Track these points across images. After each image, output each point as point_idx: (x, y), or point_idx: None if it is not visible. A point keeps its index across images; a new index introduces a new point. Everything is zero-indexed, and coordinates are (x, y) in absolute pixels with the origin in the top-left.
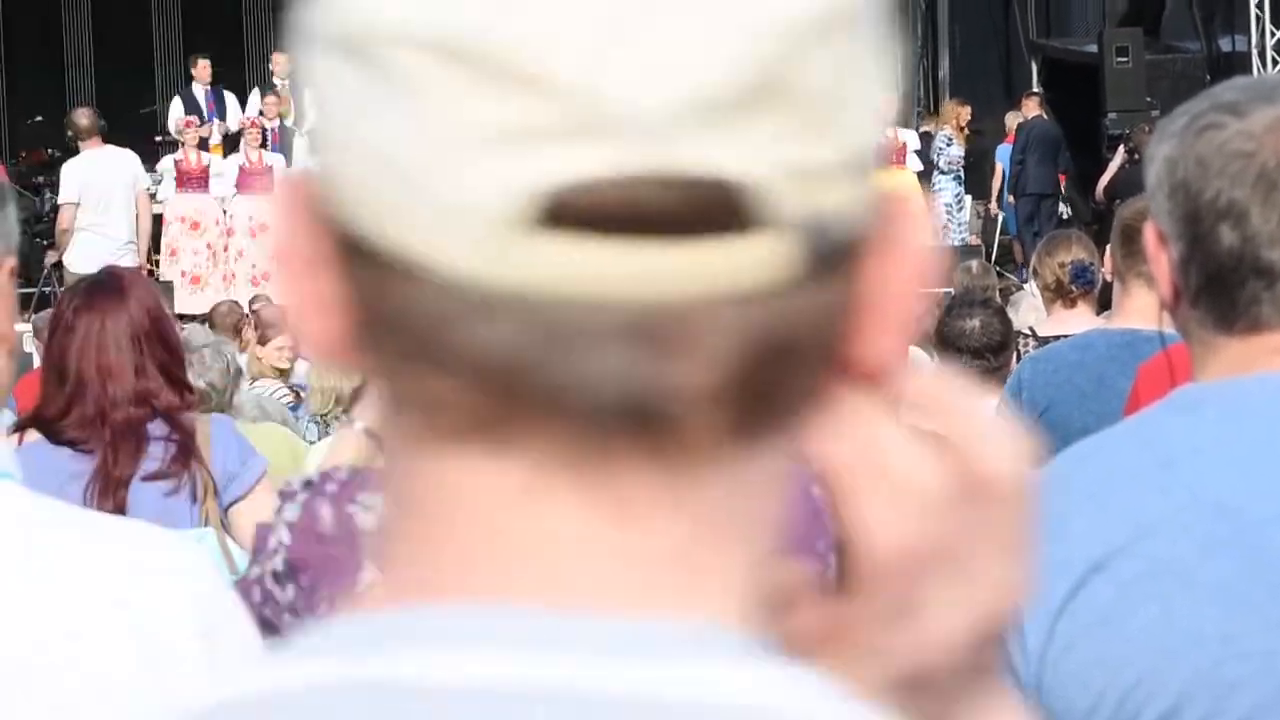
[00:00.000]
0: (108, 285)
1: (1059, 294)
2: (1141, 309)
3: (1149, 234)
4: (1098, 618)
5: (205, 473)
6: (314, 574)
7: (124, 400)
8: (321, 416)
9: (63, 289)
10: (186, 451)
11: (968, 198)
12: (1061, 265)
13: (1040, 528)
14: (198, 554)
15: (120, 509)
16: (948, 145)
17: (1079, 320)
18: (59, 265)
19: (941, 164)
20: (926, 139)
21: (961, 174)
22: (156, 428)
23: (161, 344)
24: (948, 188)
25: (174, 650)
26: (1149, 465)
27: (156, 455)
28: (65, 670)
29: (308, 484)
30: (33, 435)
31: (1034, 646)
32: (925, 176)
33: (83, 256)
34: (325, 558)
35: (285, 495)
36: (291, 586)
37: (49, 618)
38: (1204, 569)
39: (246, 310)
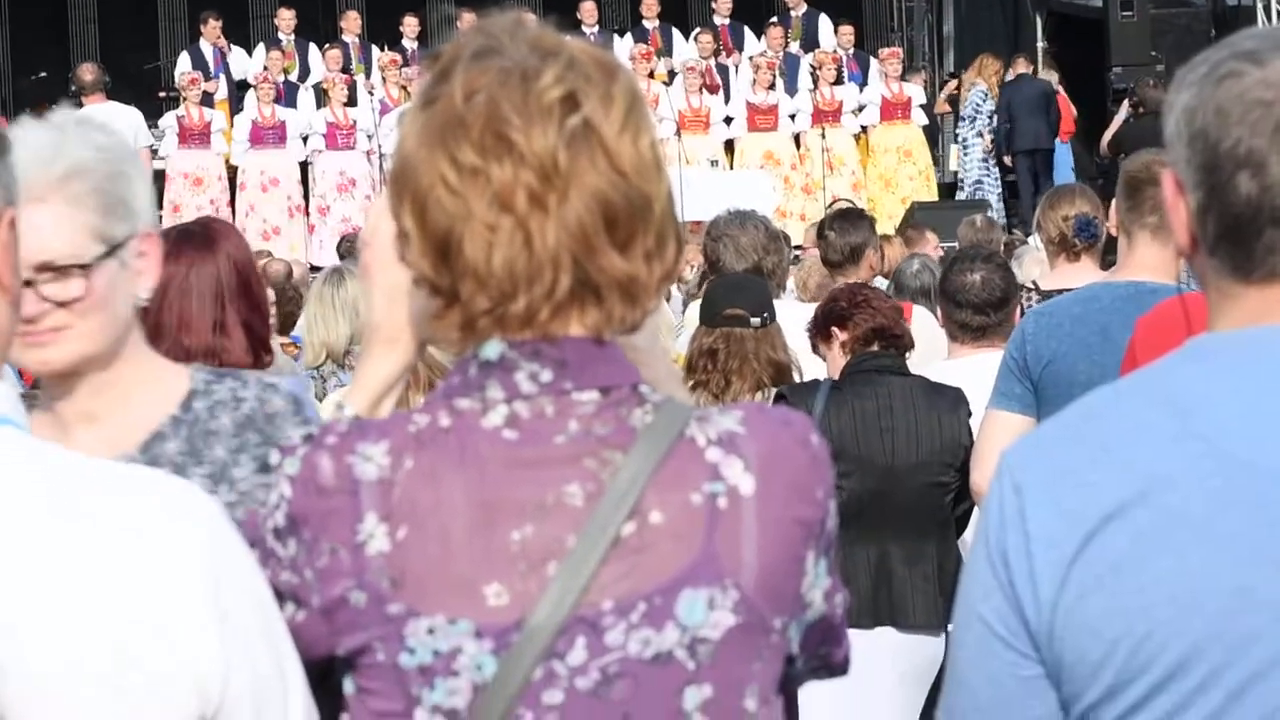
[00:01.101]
0: (197, 235)
1: (1063, 248)
2: (1146, 261)
3: (1167, 182)
4: (1111, 568)
5: None
6: (315, 527)
7: (198, 353)
8: (316, 369)
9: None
10: None
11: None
12: (1065, 219)
13: (1056, 478)
14: (204, 500)
15: None
16: (984, 100)
17: (1082, 274)
18: None
19: (977, 119)
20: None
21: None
22: None
23: (245, 300)
24: (978, 144)
25: (182, 598)
26: (1163, 415)
27: None
28: (72, 616)
29: (307, 437)
30: None
31: (1046, 595)
32: (930, 130)
33: None
34: (326, 510)
35: (285, 449)
36: (293, 541)
37: (54, 565)
38: (1218, 520)
39: None
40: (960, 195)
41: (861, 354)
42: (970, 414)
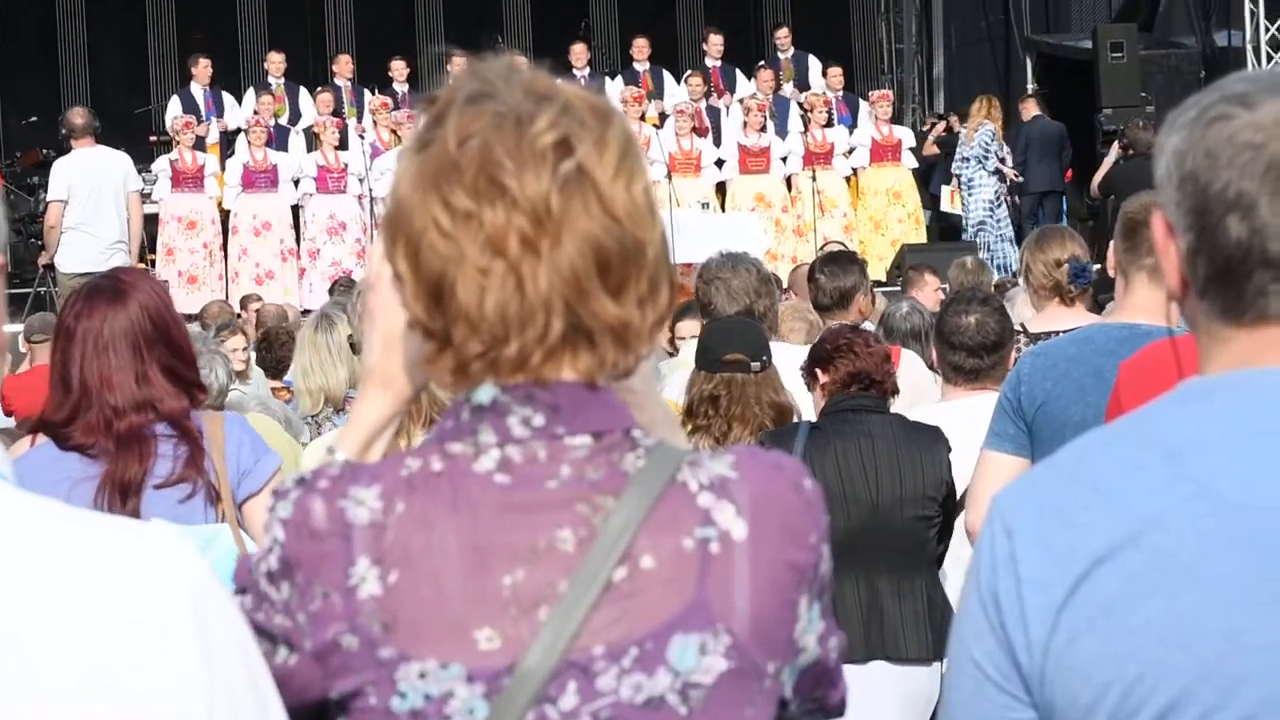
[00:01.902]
0: (107, 289)
1: (1055, 292)
2: (1143, 304)
3: (1157, 225)
4: (1101, 610)
5: (218, 473)
6: (308, 571)
7: (127, 408)
8: (313, 417)
9: (56, 289)
10: (196, 456)
11: (1005, 195)
12: (1058, 263)
13: (1047, 520)
14: (189, 550)
15: (134, 514)
16: (991, 141)
17: (1074, 317)
18: (51, 266)
19: (986, 161)
20: (948, 134)
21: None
22: (165, 429)
23: (165, 345)
24: (988, 184)
25: (168, 646)
26: (1155, 457)
27: (167, 455)
28: (56, 668)
29: (300, 481)
30: (44, 437)
31: (1037, 638)
32: (920, 174)
33: (71, 256)
34: (318, 554)
35: (279, 494)
36: (286, 584)
37: (39, 616)
38: (1210, 562)
39: (237, 310)
40: (965, 237)
41: (839, 396)
42: (949, 449)
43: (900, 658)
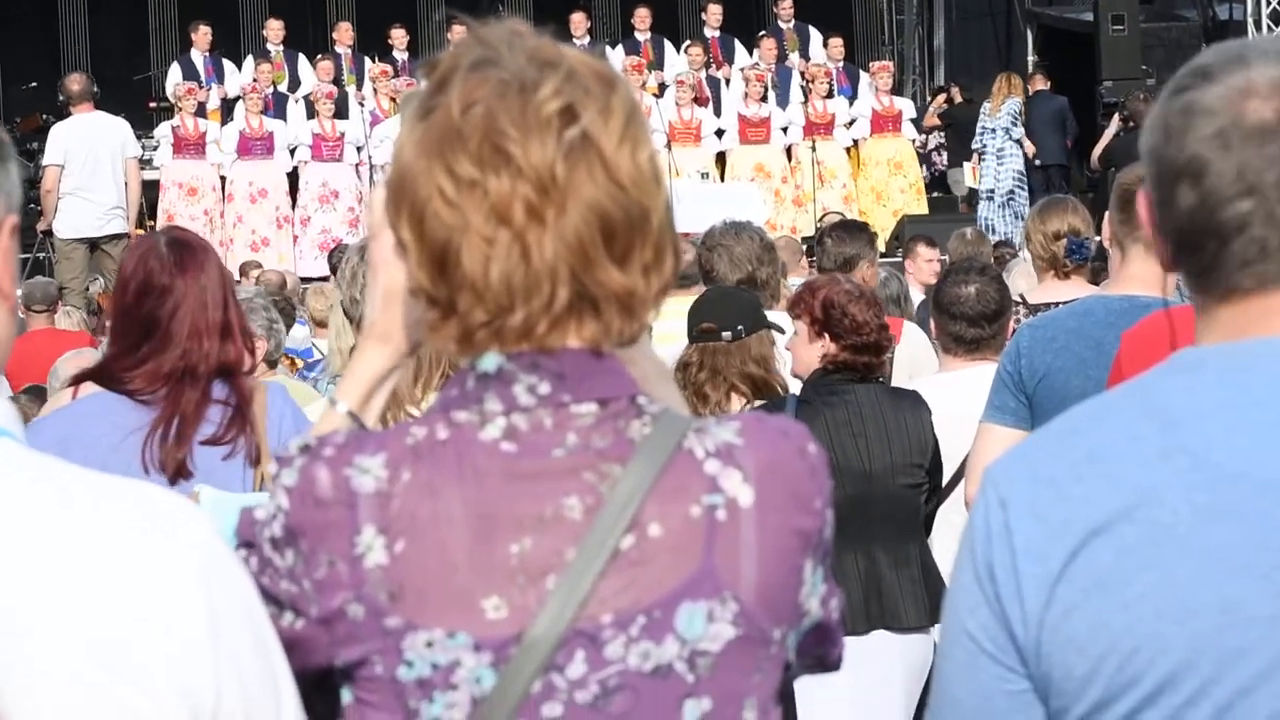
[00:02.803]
0: (190, 246)
1: (1052, 265)
2: (1140, 275)
3: (1141, 201)
4: (1096, 583)
5: (260, 438)
6: (312, 539)
7: (207, 355)
8: (337, 377)
9: (54, 254)
10: (243, 416)
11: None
12: (1056, 235)
13: (1041, 492)
14: (197, 514)
15: (182, 465)
16: (1018, 112)
17: (1072, 289)
18: (49, 231)
19: (1014, 130)
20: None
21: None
22: (216, 391)
23: (236, 306)
24: (1017, 154)
25: (175, 613)
26: (1150, 428)
27: (213, 419)
28: (64, 635)
29: (305, 448)
30: (88, 388)
31: (1032, 610)
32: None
33: (69, 221)
34: (323, 522)
35: (282, 460)
36: (290, 552)
37: (46, 574)
38: (1205, 534)
39: (237, 276)
40: (992, 204)
41: (826, 368)
42: (930, 412)
43: (901, 627)
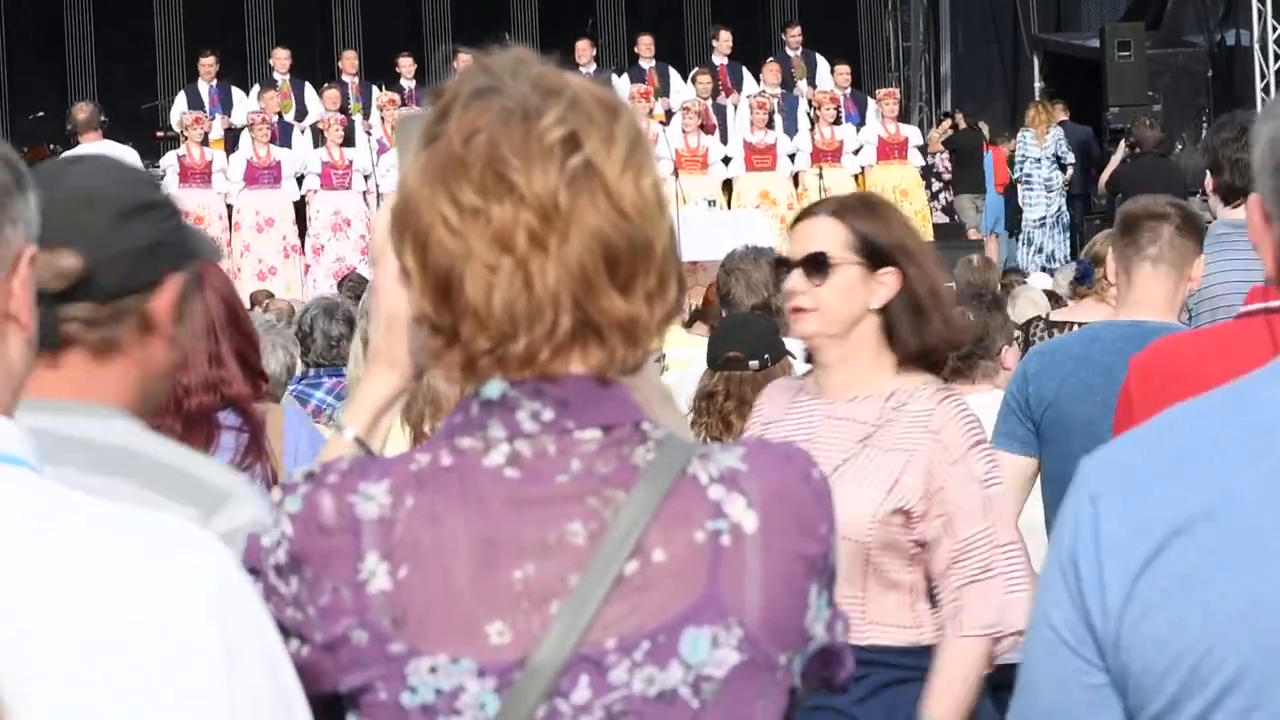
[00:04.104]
0: None
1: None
2: (1146, 299)
3: (1253, 210)
4: (1177, 582)
5: (276, 464)
6: (316, 565)
7: (198, 387)
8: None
9: None
10: (259, 443)
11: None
12: (1084, 256)
13: (1129, 487)
14: (212, 541)
15: None
16: (1063, 141)
17: (1093, 311)
18: None
19: (1066, 160)
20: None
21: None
22: (228, 418)
23: (237, 330)
24: (1058, 180)
25: (186, 636)
26: (1242, 432)
27: (229, 446)
28: (72, 667)
29: (309, 475)
30: None
31: (1113, 605)
32: (927, 172)
33: None
34: (327, 549)
35: (286, 488)
36: (295, 579)
37: (60, 609)
38: None
39: (249, 304)
40: (1044, 229)
41: None
42: None
43: None
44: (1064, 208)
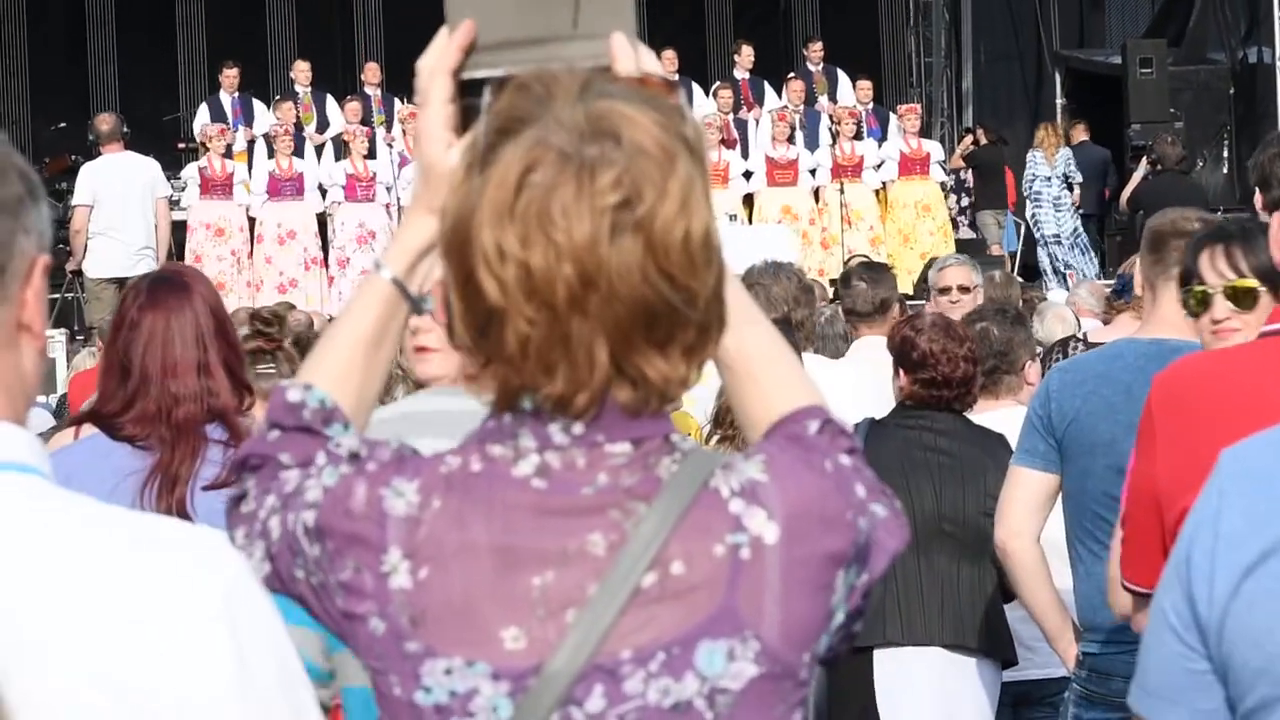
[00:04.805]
0: (172, 282)
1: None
2: (1171, 318)
3: (1276, 227)
4: None
5: None
6: (338, 542)
7: (186, 397)
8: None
9: (84, 294)
10: None
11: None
12: (1122, 272)
13: (1253, 485)
14: (228, 551)
15: (180, 507)
16: (1072, 160)
17: (1124, 329)
18: (79, 271)
19: (1075, 179)
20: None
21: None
22: (216, 430)
23: (225, 341)
24: (1067, 199)
25: (197, 652)
26: None
27: (215, 459)
28: (82, 677)
29: (354, 456)
30: (89, 429)
31: (1220, 595)
32: (949, 187)
33: (98, 261)
34: (350, 532)
35: (331, 456)
36: (318, 546)
37: (69, 616)
38: None
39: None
40: (1061, 247)
41: (904, 403)
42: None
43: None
44: (1079, 227)
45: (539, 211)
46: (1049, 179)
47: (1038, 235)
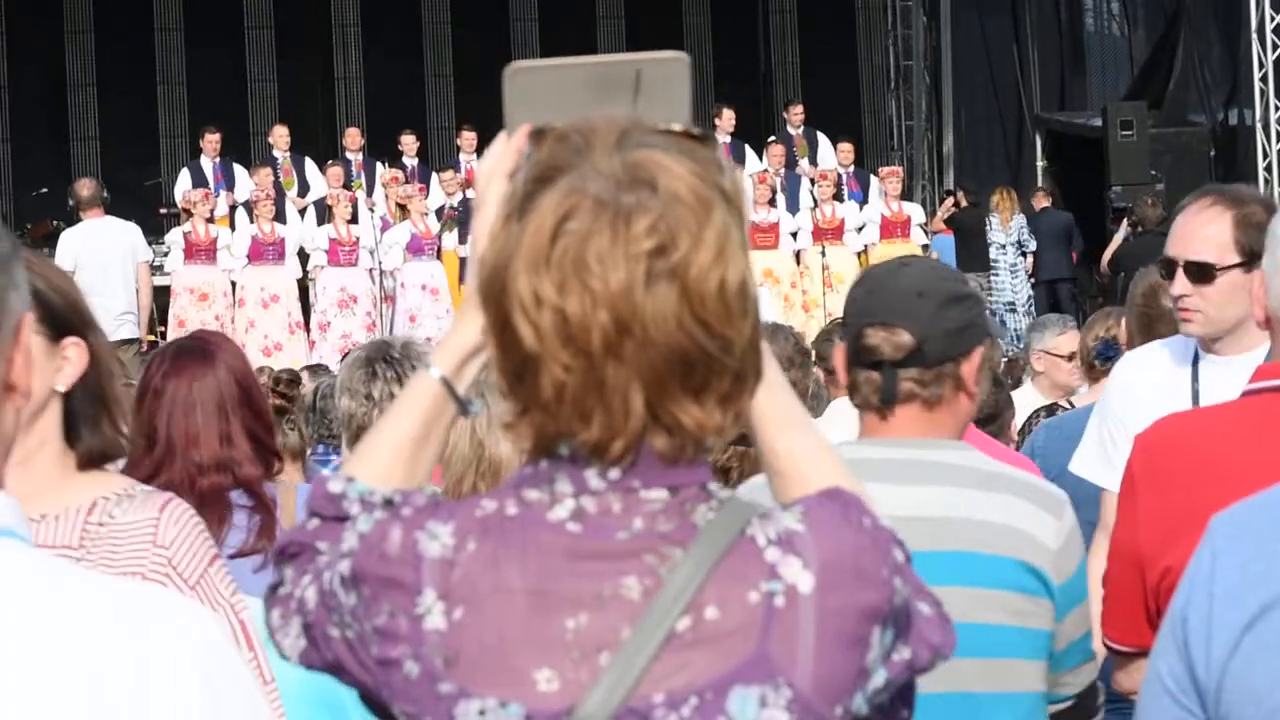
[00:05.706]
0: (194, 349)
1: (1089, 368)
2: None
3: (1258, 286)
4: None
5: None
6: (374, 587)
7: (210, 466)
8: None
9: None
10: (270, 525)
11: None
12: (1095, 339)
13: (1246, 545)
14: (205, 618)
15: None
16: (1026, 228)
17: None
18: None
19: (1028, 247)
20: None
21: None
22: (241, 497)
23: (249, 409)
24: (1021, 265)
25: (174, 713)
26: None
27: (241, 526)
28: None
29: (389, 502)
30: None
31: (1218, 656)
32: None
33: None
34: (385, 576)
35: (366, 504)
36: (354, 594)
37: (45, 683)
38: None
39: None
40: (1016, 315)
41: None
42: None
43: None
44: (1031, 295)
45: (575, 258)
46: (1004, 246)
47: (993, 303)
